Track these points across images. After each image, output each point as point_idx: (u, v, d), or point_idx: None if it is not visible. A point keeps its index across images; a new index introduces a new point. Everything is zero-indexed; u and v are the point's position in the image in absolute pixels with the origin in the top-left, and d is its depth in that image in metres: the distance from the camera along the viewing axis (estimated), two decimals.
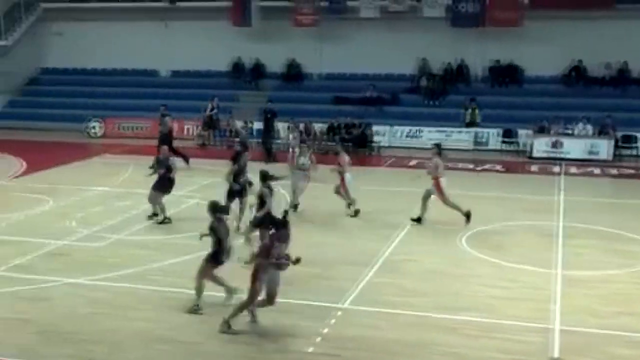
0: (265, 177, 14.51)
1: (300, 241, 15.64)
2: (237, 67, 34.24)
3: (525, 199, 20.40)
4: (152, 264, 14.35)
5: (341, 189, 18.24)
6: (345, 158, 18.60)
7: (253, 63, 33.98)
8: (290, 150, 24.64)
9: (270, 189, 14.39)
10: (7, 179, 22.52)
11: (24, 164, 24.66)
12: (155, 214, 17.39)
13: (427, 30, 31.62)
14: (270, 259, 11.00)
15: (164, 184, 17.34)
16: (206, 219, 12.80)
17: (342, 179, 18.17)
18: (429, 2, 30.97)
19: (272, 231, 11.43)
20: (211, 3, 33.84)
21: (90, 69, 36.50)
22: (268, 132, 26.64)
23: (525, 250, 15.44)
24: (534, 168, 25.66)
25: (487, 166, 25.61)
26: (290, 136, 26.49)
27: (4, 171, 23.36)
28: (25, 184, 21.72)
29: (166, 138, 23.50)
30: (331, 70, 33.59)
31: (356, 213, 18.10)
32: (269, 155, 25.92)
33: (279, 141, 28.49)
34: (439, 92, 31.46)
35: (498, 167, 25.51)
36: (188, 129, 31.26)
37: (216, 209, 12.10)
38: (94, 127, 32.18)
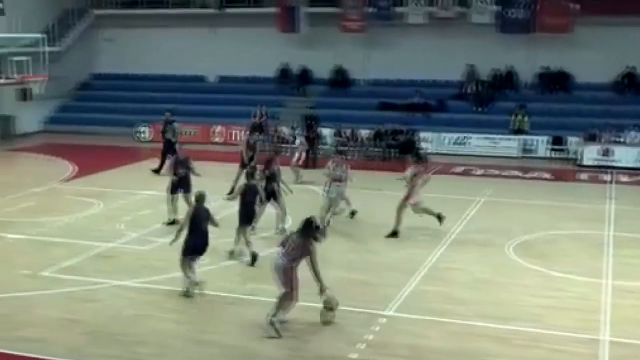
0: (250, 176, 15.54)
1: (345, 248, 15.73)
2: (284, 73, 34.38)
3: (574, 207, 20.08)
4: (199, 267, 14.44)
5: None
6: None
7: (300, 69, 34.09)
8: (297, 154, 24.17)
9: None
10: (58, 182, 22.96)
11: (75, 167, 25.10)
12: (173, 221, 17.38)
13: (475, 37, 31.34)
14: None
15: (187, 185, 17.54)
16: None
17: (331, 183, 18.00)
18: (478, 8, 30.72)
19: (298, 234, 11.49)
20: (259, 9, 34.08)
21: (140, 74, 36.97)
22: (310, 139, 26.52)
23: (574, 260, 15.19)
24: (583, 176, 25.22)
25: (535, 174, 25.26)
26: (297, 141, 25.95)
27: (56, 174, 23.81)
28: (75, 187, 22.12)
29: (172, 144, 23.58)
30: (378, 76, 33.50)
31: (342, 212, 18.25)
32: (308, 161, 25.90)
33: (326, 147, 28.51)
34: (486, 99, 31.15)
35: (546, 175, 25.14)
36: (235, 134, 31.43)
37: (196, 199, 13.11)
38: (142, 132, 32.59)
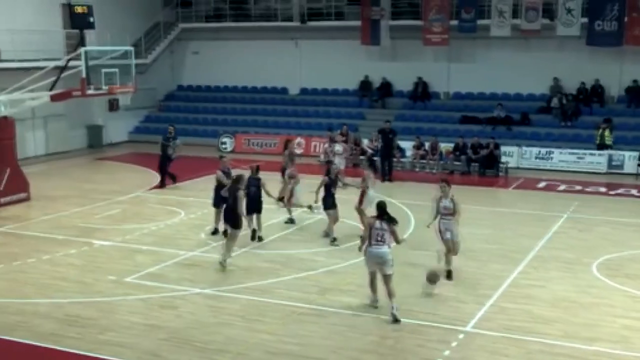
0: (255, 171, 17.30)
1: (426, 263, 15.56)
2: (365, 86, 34.40)
3: None
4: (277, 277, 14.61)
5: (289, 200, 18.66)
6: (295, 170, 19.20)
7: (381, 82, 34.04)
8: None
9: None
10: (143, 191, 23.54)
11: (159, 177, 25.65)
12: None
13: (561, 49, 30.69)
14: None
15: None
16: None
17: (292, 190, 18.56)
18: (564, 20, 30.06)
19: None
20: (341, 22, 34.24)
21: (223, 86, 37.70)
22: (388, 152, 26.38)
23: None
24: None
25: (621, 190, 24.46)
26: (339, 147, 24.89)
27: (141, 183, 24.40)
28: (159, 196, 22.64)
29: (170, 160, 23.95)
30: (459, 89, 33.18)
31: (291, 221, 18.78)
32: (385, 174, 25.79)
33: (404, 160, 28.35)
34: (571, 113, 30.40)
35: (634, 192, 24.29)
36: (315, 146, 31.55)
37: (238, 181, 15.32)
38: (224, 143, 33.13)
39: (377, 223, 12.40)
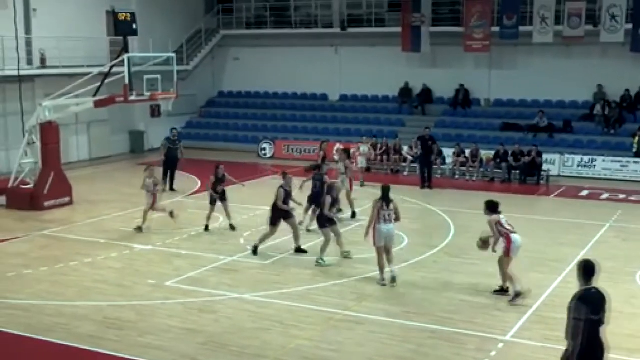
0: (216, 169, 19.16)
1: (466, 270, 15.46)
2: (405, 92, 34.28)
3: None
4: (315, 283, 14.62)
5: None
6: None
7: (421, 88, 33.90)
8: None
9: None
10: (183, 196, 23.75)
11: (199, 182, 25.86)
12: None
13: (604, 56, 30.25)
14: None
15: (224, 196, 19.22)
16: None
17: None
18: (608, 27, 29.59)
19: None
20: (381, 29, 34.21)
21: (264, 92, 37.92)
22: (427, 159, 26.20)
23: None
24: None
25: None
26: (363, 148, 26.70)
27: (181, 189, 24.60)
28: (199, 202, 22.70)
29: (176, 163, 24.63)
30: (500, 96, 32.90)
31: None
32: (425, 181, 25.66)
33: (444, 167, 28.17)
34: (615, 120, 29.93)
35: None
36: (353, 153, 31.42)
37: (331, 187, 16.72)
38: (264, 149, 33.30)
39: (384, 205, 14.27)
